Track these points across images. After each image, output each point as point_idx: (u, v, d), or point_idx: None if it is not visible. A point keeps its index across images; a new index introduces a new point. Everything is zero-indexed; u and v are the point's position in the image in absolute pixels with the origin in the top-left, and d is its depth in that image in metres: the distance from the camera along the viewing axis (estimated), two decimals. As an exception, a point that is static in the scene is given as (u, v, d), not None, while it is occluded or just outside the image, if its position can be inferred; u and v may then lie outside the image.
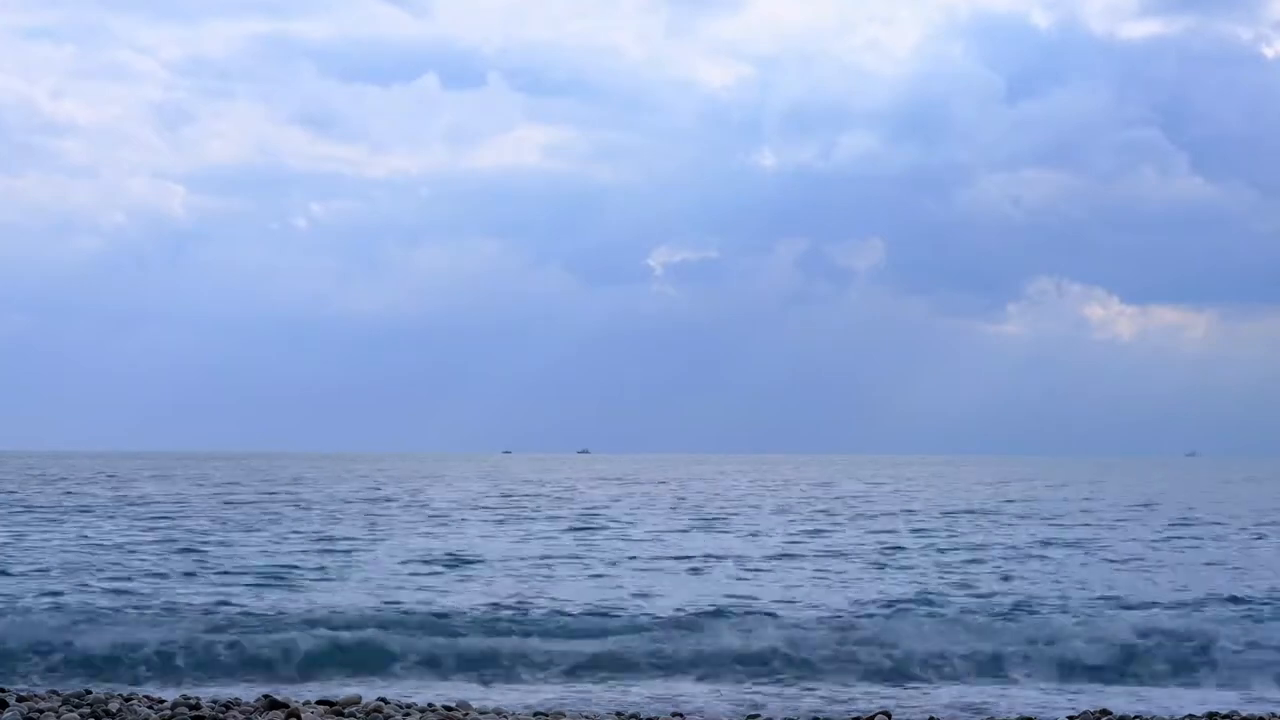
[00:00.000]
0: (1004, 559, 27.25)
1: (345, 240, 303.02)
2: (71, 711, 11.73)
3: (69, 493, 52.47)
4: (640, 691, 14.90)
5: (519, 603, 19.57)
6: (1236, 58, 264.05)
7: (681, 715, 13.30)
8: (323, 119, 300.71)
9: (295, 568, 23.72)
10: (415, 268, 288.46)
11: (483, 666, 15.69)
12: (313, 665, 15.58)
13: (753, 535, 33.33)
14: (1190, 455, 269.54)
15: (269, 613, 18.01)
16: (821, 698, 14.64)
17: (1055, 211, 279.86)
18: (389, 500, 50.04)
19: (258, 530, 32.76)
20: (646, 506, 47.33)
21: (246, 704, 12.46)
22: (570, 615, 18.30)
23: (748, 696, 14.65)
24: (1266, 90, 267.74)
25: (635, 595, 20.65)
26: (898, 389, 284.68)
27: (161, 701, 12.52)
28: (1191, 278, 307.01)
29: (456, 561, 25.27)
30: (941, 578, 23.57)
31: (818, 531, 34.61)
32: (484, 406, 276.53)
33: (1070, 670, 15.94)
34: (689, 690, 14.98)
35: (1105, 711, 13.39)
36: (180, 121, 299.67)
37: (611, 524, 36.96)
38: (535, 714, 12.96)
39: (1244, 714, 13.25)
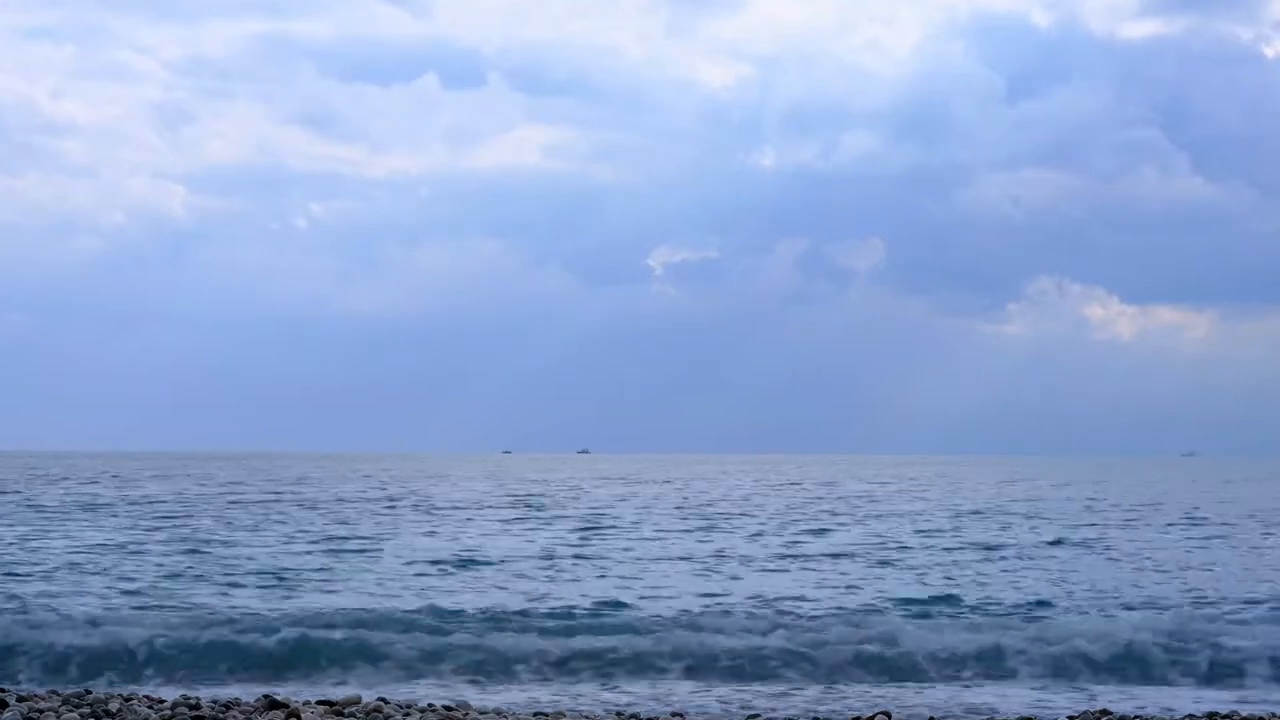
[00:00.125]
0: (1009, 558, 27.29)
1: (345, 240, 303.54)
2: (71, 711, 11.73)
3: (70, 493, 52.46)
4: (640, 691, 14.90)
5: (523, 602, 19.58)
6: (1236, 58, 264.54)
7: (681, 715, 13.30)
8: (323, 119, 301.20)
9: (300, 569, 23.71)
10: (415, 268, 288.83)
11: (484, 666, 15.67)
12: (314, 665, 15.57)
13: (758, 535, 33.33)
14: (1188, 455, 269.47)
15: (270, 612, 18.01)
16: (822, 697, 14.64)
17: (1055, 211, 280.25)
18: (394, 500, 50.02)
19: (264, 530, 32.77)
20: (651, 506, 47.33)
21: (246, 704, 12.46)
22: (573, 615, 18.30)
23: (748, 696, 14.65)
24: (1266, 90, 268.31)
25: (639, 595, 20.65)
26: (898, 389, 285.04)
27: (161, 701, 12.51)
28: (1191, 278, 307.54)
29: (462, 562, 25.25)
30: (946, 578, 23.59)
31: (823, 531, 34.61)
32: (484, 406, 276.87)
33: (1073, 670, 15.93)
34: (689, 690, 14.98)
35: (1105, 711, 13.39)
36: (180, 121, 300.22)
37: (617, 523, 36.98)
38: (535, 714, 12.96)
39: (1244, 714, 13.25)
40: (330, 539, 30.25)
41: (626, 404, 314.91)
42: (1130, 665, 16.11)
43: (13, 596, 19.38)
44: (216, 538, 30.00)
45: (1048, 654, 16.22)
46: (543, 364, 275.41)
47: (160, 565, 23.98)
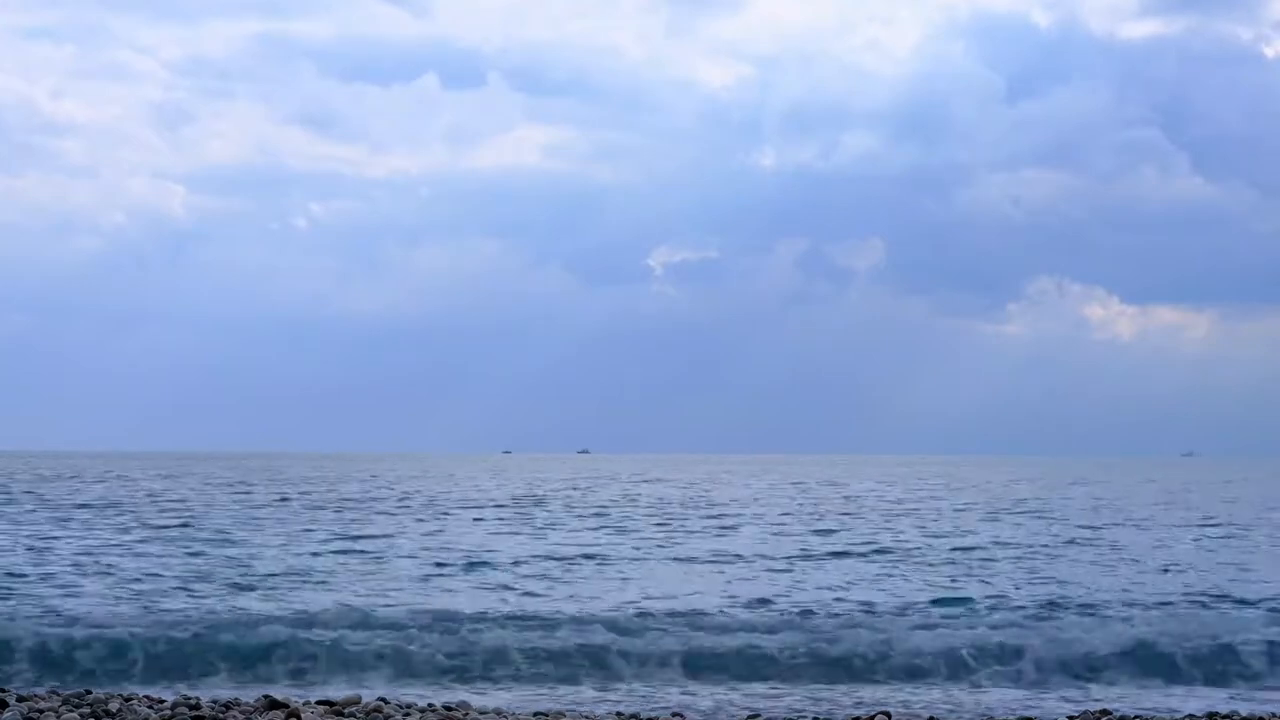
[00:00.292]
0: (1017, 557, 27.28)
1: (345, 240, 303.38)
2: (71, 711, 11.73)
3: (78, 493, 52.44)
4: (639, 691, 14.91)
5: (526, 603, 19.57)
6: (1236, 58, 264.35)
7: (681, 715, 13.31)
8: (323, 119, 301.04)
9: (305, 570, 23.64)
10: (415, 268, 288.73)
11: (485, 667, 15.67)
12: (314, 665, 15.56)
13: (773, 534, 33.29)
14: (1188, 455, 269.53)
15: (269, 613, 17.99)
16: (822, 698, 14.64)
17: (1055, 211, 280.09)
18: (402, 500, 49.98)
19: (269, 530, 32.73)
20: (658, 506, 47.31)
21: (246, 704, 12.46)
22: (575, 615, 18.26)
23: (749, 697, 14.65)
24: (1266, 90, 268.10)
25: (643, 596, 20.63)
26: (898, 389, 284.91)
27: (161, 702, 12.51)
28: (1191, 278, 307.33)
29: (469, 562, 25.21)
30: (951, 578, 23.54)
31: (833, 531, 34.56)
32: (484, 406, 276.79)
33: (1075, 670, 15.91)
34: (689, 690, 14.98)
35: (1105, 711, 13.40)
36: (180, 121, 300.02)
37: (623, 523, 36.96)
38: (535, 714, 12.96)
39: (1244, 714, 13.26)
40: (338, 539, 30.25)
41: (626, 404, 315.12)
42: (1136, 665, 16.08)
43: (19, 597, 19.36)
44: (226, 538, 29.92)
45: (1051, 654, 16.20)
46: (543, 364, 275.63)
47: (171, 566, 23.93)
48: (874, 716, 12.93)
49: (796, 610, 19.05)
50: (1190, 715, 13.38)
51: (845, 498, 56.01)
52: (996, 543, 30.87)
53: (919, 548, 29.37)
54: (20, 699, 12.44)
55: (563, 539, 31.45)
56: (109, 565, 23.78)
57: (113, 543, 28.59)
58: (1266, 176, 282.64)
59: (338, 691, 13.96)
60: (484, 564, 24.97)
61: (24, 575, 22.10)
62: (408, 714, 12.24)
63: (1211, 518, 42.38)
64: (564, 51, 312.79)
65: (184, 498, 49.42)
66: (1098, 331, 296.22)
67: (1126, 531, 35.61)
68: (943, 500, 53.87)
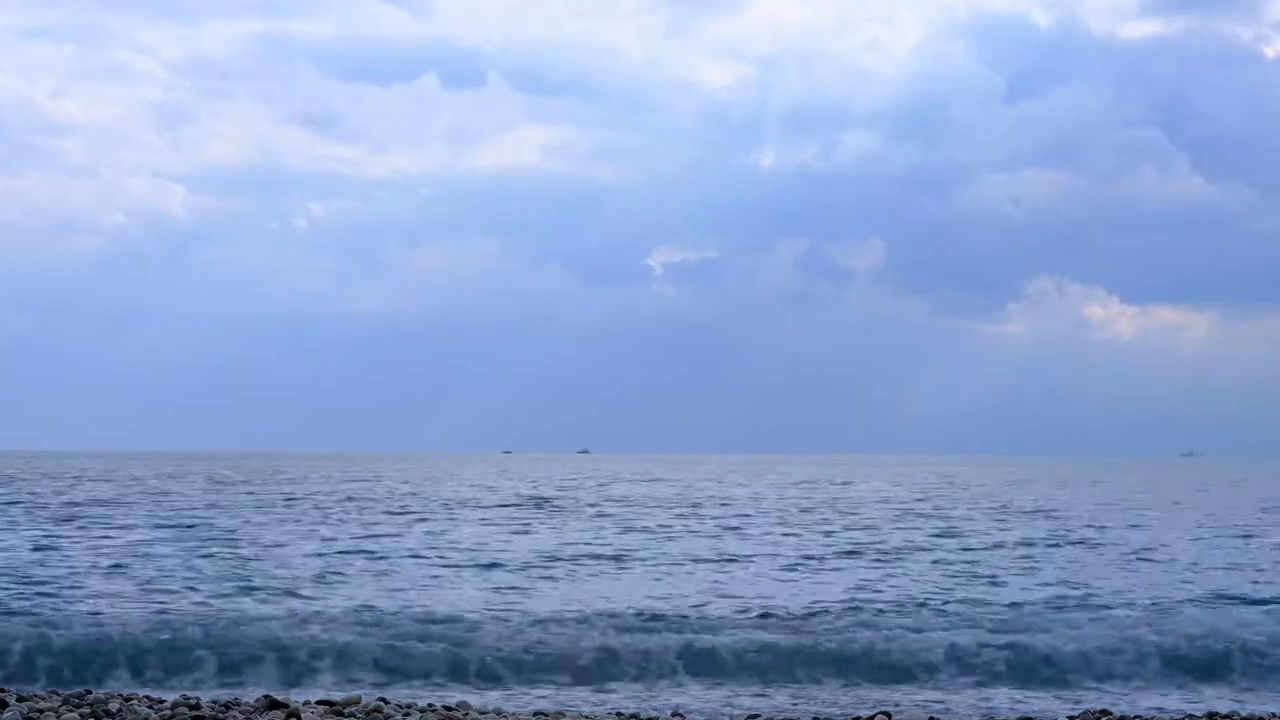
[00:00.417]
0: (1023, 557, 27.27)
1: (345, 240, 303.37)
2: (71, 711, 11.73)
3: (79, 491, 52.42)
4: (639, 690, 14.91)
5: (528, 602, 19.57)
6: (1236, 58, 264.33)
7: (681, 715, 13.32)
8: (323, 119, 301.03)
9: (310, 570, 23.62)
10: (415, 268, 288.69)
11: (486, 666, 15.66)
12: (315, 665, 15.54)
13: (779, 534, 33.26)
14: (1188, 455, 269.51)
15: (272, 613, 17.99)
16: (822, 699, 14.65)
17: (1055, 211, 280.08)
18: (407, 499, 49.95)
19: (276, 530, 32.70)
20: (662, 505, 47.29)
21: (246, 704, 12.46)
22: (576, 615, 18.25)
23: (750, 697, 14.66)
24: (1266, 90, 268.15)
25: (645, 595, 20.62)
26: (898, 389, 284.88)
27: (161, 701, 12.52)
28: (1191, 278, 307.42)
29: (473, 562, 25.18)
30: (955, 579, 23.51)
31: (837, 531, 34.54)
32: (484, 406, 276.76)
33: (1076, 671, 15.89)
34: (689, 690, 14.98)
35: (1105, 711, 13.40)
36: (180, 121, 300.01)
37: (626, 523, 36.95)
38: (535, 714, 12.97)
39: (1244, 714, 13.26)
40: (343, 539, 30.26)
41: (626, 404, 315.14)
42: (1139, 666, 16.06)
43: (23, 597, 19.35)
44: (236, 538, 29.88)
45: (1055, 654, 16.20)
46: (543, 364, 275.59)
47: (174, 566, 23.90)
48: (874, 716, 12.93)
49: (799, 611, 19.03)
50: (1190, 715, 13.38)
51: (850, 498, 55.96)
52: (1000, 543, 30.85)
53: (925, 547, 29.33)
54: (20, 699, 12.44)
55: (566, 539, 31.45)
56: (113, 566, 23.75)
57: (117, 542, 28.59)
58: (1266, 176, 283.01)
59: (338, 692, 13.97)
60: (488, 564, 24.94)
61: (28, 576, 22.08)
62: (408, 714, 12.24)
63: (1214, 515, 42.41)
64: (564, 51, 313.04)
65: (189, 498, 49.39)
66: (1098, 331, 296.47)
67: (1133, 531, 35.57)
68: (948, 500, 53.80)
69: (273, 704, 12.36)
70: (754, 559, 26.82)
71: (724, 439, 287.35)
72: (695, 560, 26.55)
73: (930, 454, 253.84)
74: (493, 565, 24.81)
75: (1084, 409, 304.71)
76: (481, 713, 12.73)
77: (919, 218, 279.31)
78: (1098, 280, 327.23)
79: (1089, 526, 37.27)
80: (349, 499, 50.10)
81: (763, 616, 18.42)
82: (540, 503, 48.93)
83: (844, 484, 75.49)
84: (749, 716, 13.38)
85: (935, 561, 26.42)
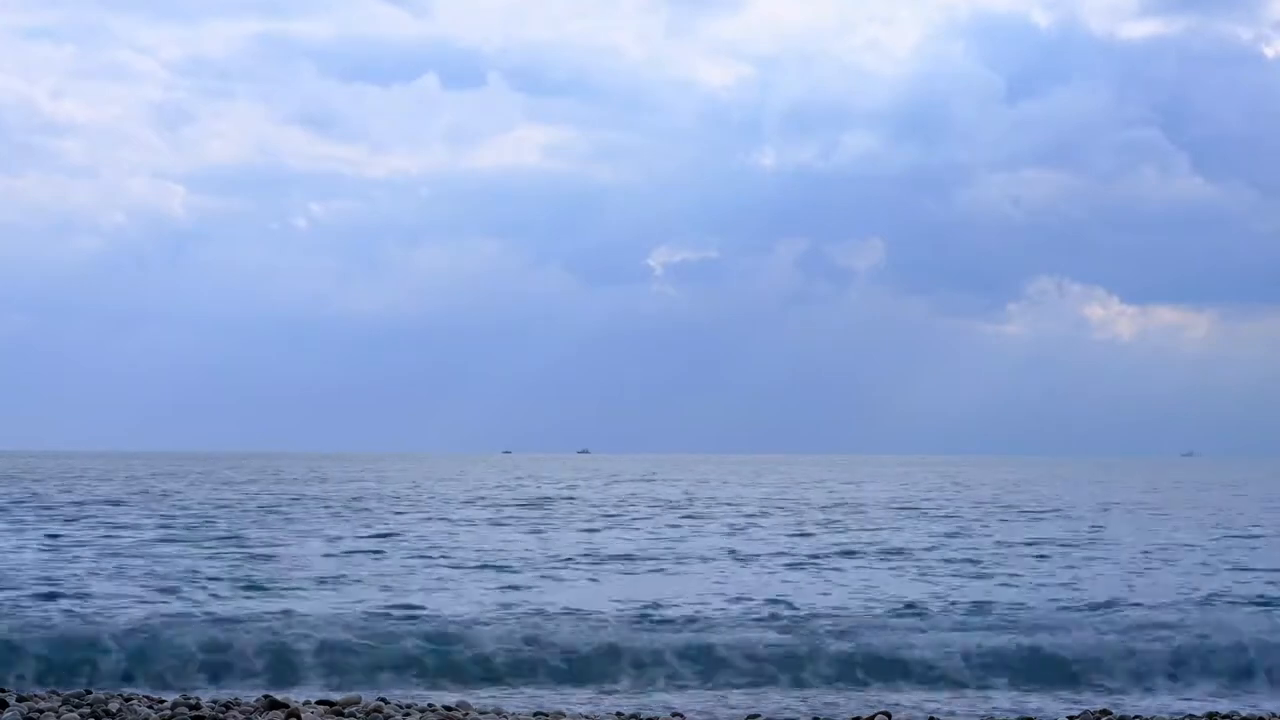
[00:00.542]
0: (1030, 557, 27.26)
1: (345, 240, 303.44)
2: (71, 711, 11.73)
3: (82, 490, 52.40)
4: (640, 690, 14.91)
5: (530, 602, 19.55)
6: (1236, 58, 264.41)
7: (681, 715, 13.32)
8: (323, 119, 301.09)
9: (314, 570, 23.54)
10: (415, 268, 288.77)
11: (487, 666, 15.65)
12: (316, 666, 15.53)
13: (784, 534, 33.22)
14: (1187, 455, 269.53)
15: (273, 612, 17.98)
16: (823, 699, 14.65)
17: (1055, 211, 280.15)
18: (412, 499, 49.95)
19: (282, 529, 32.68)
20: (666, 505, 47.27)
21: (246, 704, 12.46)
22: (577, 614, 18.23)
23: (749, 697, 14.66)
24: (1266, 90, 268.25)
25: (647, 595, 20.59)
26: (898, 389, 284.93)
27: (161, 701, 12.51)
28: (1191, 278, 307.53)
29: (477, 562, 25.14)
30: (957, 578, 23.48)
31: (842, 531, 34.49)
32: (484, 406, 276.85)
33: (1079, 672, 15.85)
34: (690, 690, 14.98)
35: (1105, 711, 13.40)
36: (180, 121, 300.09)
37: (630, 523, 36.92)
38: (535, 714, 12.97)
39: (1244, 714, 13.26)
40: (361, 538, 30.27)
41: (626, 404, 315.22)
42: (1140, 666, 16.01)
43: (25, 598, 19.33)
44: (243, 538, 29.81)
45: (1051, 655, 16.19)
46: (543, 364, 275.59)
47: (188, 568, 23.85)
48: (874, 716, 12.94)
49: (802, 611, 19.01)
50: (1190, 715, 13.38)
51: (853, 497, 55.89)
52: (1005, 543, 30.82)
53: (929, 547, 29.31)
54: (20, 699, 12.44)
55: (570, 539, 31.44)
56: (117, 566, 23.71)
57: (122, 542, 28.57)
58: (1266, 176, 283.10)
59: (339, 692, 13.97)
60: (491, 564, 24.91)
61: (32, 576, 22.03)
62: (408, 714, 12.24)
63: (1220, 515, 42.41)
64: (564, 51, 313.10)
65: (193, 498, 49.35)
66: (1098, 331, 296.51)
67: (1137, 531, 35.51)
68: (952, 500, 53.72)
69: (273, 704, 12.36)
70: (756, 558, 26.80)
71: (724, 439, 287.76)
72: (697, 560, 26.53)
73: (930, 454, 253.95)
74: (495, 566, 24.78)
75: (1084, 409, 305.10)
76: (481, 713, 12.73)
77: (919, 218, 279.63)
78: (1098, 280, 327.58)
79: (1094, 526, 37.23)
80: (355, 499, 50.15)
81: (765, 616, 18.40)
82: (543, 503, 48.92)
83: (847, 484, 75.46)
84: (749, 716, 13.38)
85: (938, 561, 26.38)
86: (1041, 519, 40.93)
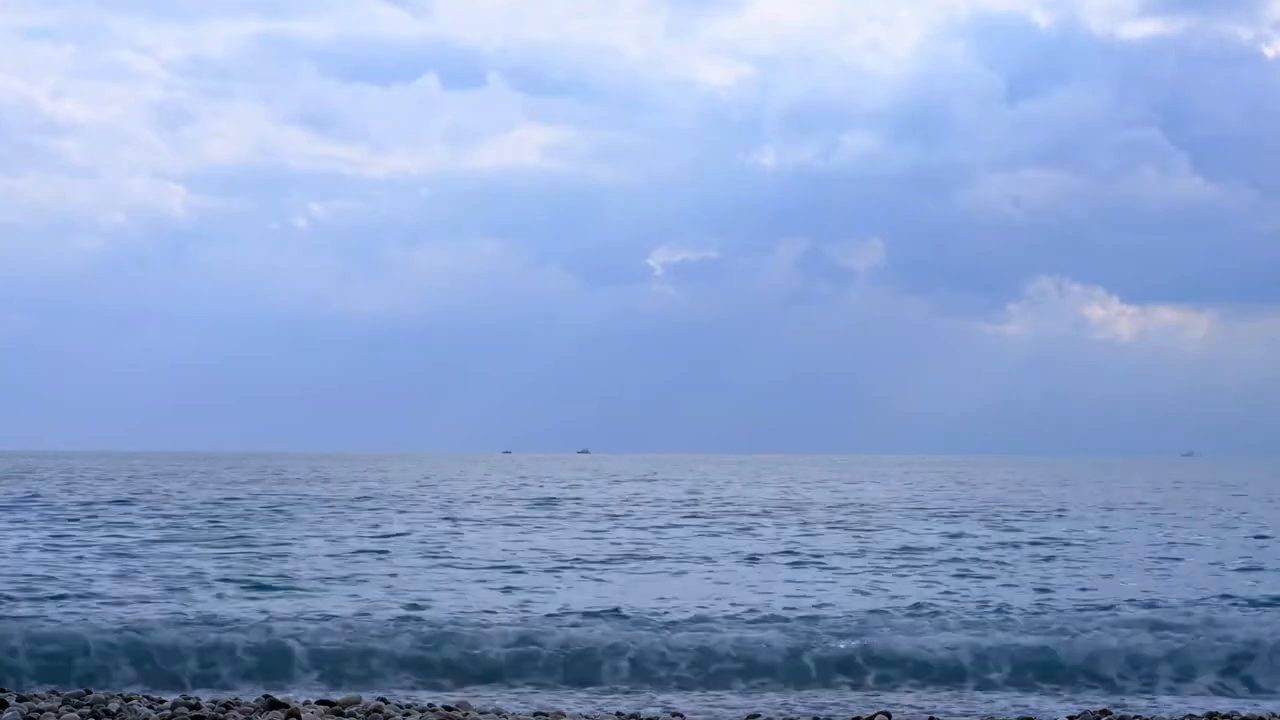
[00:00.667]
0: (1033, 557, 27.25)
1: (345, 240, 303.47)
2: (71, 711, 11.73)
3: (85, 490, 52.39)
4: (640, 691, 14.91)
5: (531, 603, 19.55)
6: (1236, 58, 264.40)
7: (681, 715, 13.32)
8: (323, 119, 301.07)
9: (319, 571, 23.53)
10: (415, 268, 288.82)
11: (488, 667, 15.65)
12: (316, 666, 15.52)
13: (791, 534, 33.20)
14: (1187, 455, 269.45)
15: (269, 614, 17.99)
16: (823, 699, 14.65)
17: (1055, 211, 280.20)
18: (417, 499, 49.91)
19: (289, 529, 32.66)
20: (670, 505, 47.26)
21: (246, 704, 12.46)
22: (578, 615, 18.23)
23: (750, 697, 14.66)
24: (1266, 90, 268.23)
25: (651, 596, 20.59)
26: (898, 389, 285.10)
27: (161, 701, 12.51)
28: (1191, 278, 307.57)
29: (481, 563, 25.11)
30: (961, 579, 23.45)
31: (843, 531, 34.48)
32: (484, 406, 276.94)
33: (1082, 673, 15.84)
34: (689, 690, 14.98)
35: (1105, 712, 13.41)
36: (180, 121, 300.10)
37: (635, 524, 36.92)
38: (535, 714, 12.97)
39: (1244, 714, 13.26)
40: (368, 539, 30.28)
41: (626, 404, 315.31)
42: (1142, 668, 15.99)
43: (29, 599, 19.33)
44: (251, 539, 29.75)
45: (1052, 656, 16.18)
46: (543, 364, 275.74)
47: (186, 567, 23.85)
48: (874, 717, 12.94)
49: (804, 611, 18.99)
50: (1190, 715, 13.38)
51: (857, 497, 55.80)
52: (1010, 543, 30.79)
53: (933, 547, 29.28)
54: (20, 699, 12.44)
55: (572, 539, 31.43)
56: (121, 567, 23.70)
57: (126, 541, 28.57)
58: (1266, 176, 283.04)
59: (338, 692, 13.96)
60: (493, 565, 24.90)
61: (36, 576, 22.02)
62: (408, 714, 12.24)
63: (1225, 515, 42.43)
64: (564, 51, 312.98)
65: (197, 498, 49.30)
66: (1098, 331, 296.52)
67: (1141, 531, 35.48)
68: (955, 500, 53.64)
69: (273, 704, 12.36)
70: (758, 558, 26.80)
71: (724, 439, 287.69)
72: (699, 559, 26.54)
73: (930, 454, 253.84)
74: (497, 565, 24.78)
75: (1084, 409, 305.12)
76: (481, 713, 12.73)
77: (919, 218, 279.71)
78: (1098, 280, 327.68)
79: (1098, 527, 37.18)
80: (362, 498, 50.16)
81: (766, 616, 18.39)
82: (545, 503, 48.88)
83: (851, 483, 75.43)
84: (749, 716, 13.38)
85: (940, 561, 26.36)
86: (1044, 519, 40.91)
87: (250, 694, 13.65)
